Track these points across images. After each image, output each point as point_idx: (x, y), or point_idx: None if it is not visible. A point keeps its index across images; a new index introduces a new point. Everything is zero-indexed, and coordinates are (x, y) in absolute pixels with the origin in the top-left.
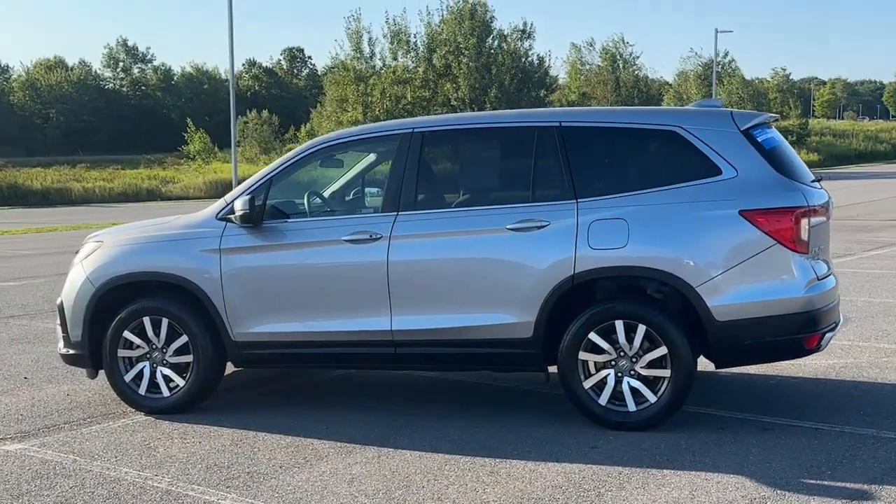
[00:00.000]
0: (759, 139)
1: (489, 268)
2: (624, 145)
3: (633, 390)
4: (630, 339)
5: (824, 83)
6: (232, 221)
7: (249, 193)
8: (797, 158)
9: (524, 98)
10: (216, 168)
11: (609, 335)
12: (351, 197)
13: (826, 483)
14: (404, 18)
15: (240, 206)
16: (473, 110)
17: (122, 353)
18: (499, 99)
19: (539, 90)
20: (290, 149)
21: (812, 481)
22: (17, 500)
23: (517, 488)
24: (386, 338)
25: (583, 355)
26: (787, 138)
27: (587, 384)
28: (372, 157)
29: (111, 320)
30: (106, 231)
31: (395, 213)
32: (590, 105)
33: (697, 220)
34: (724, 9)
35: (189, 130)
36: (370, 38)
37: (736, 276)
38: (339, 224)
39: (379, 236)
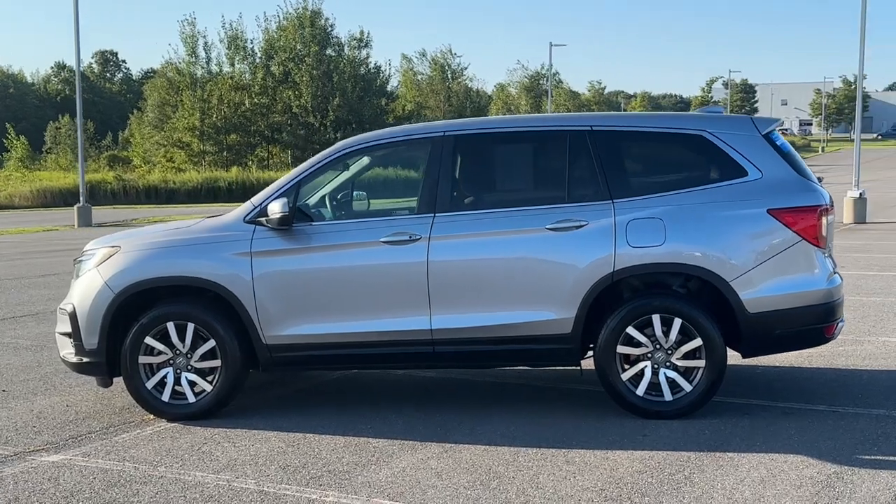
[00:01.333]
0: (776, 143)
1: (530, 266)
2: (653, 148)
3: (670, 381)
4: (666, 333)
5: (632, 97)
6: (262, 224)
7: (281, 196)
8: (803, 161)
9: (366, 106)
10: (44, 177)
11: (645, 329)
12: (351, 200)
13: (880, 458)
14: (240, 24)
15: (278, 208)
16: (317, 118)
17: (143, 359)
18: (342, 107)
19: (380, 99)
20: (110, 156)
21: (866, 457)
22: None
23: (604, 475)
24: (425, 337)
25: (620, 349)
26: None
27: (625, 376)
28: (365, 160)
29: (129, 327)
30: (119, 236)
31: (433, 215)
32: (425, 114)
33: (729, 219)
34: (556, 21)
35: (9, 137)
36: (206, 43)
37: (766, 271)
38: (374, 226)
39: (418, 237)
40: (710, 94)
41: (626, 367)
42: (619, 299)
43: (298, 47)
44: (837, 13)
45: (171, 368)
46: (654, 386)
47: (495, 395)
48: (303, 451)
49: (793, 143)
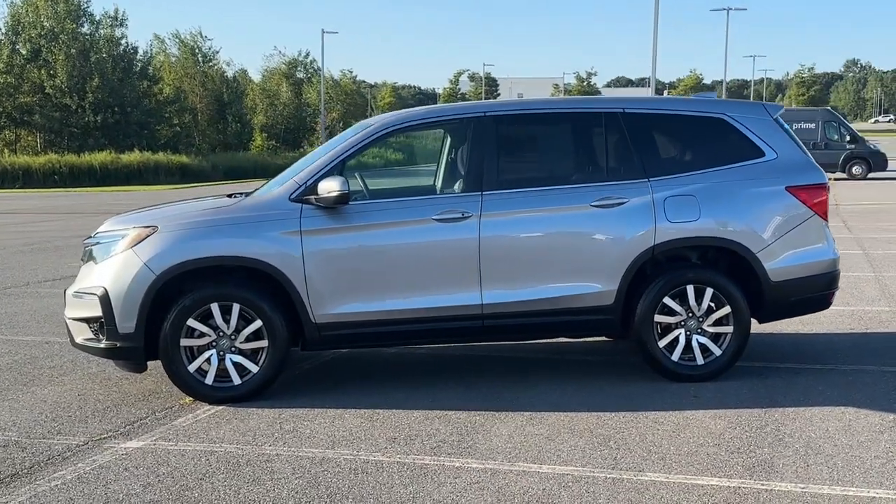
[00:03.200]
0: (784, 127)
1: (576, 241)
2: (680, 130)
3: (701, 346)
4: (699, 302)
5: (374, 86)
6: (310, 203)
7: (329, 174)
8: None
9: (127, 88)
10: None
11: (679, 298)
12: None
13: None
14: None
15: (336, 186)
16: (74, 100)
17: (185, 342)
18: (101, 89)
19: (143, 81)
20: None
21: None
22: (255, 486)
23: (701, 431)
24: (475, 312)
25: (658, 318)
26: None
27: (661, 343)
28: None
29: (168, 309)
30: (150, 216)
31: (480, 193)
32: (188, 99)
33: (753, 196)
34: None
35: None
36: None
37: (785, 243)
38: (424, 203)
39: (469, 214)
40: (457, 87)
41: (662, 335)
42: (656, 271)
43: (49, 24)
44: (575, 11)
45: (214, 350)
46: (687, 351)
47: (521, 370)
48: (392, 425)
49: None
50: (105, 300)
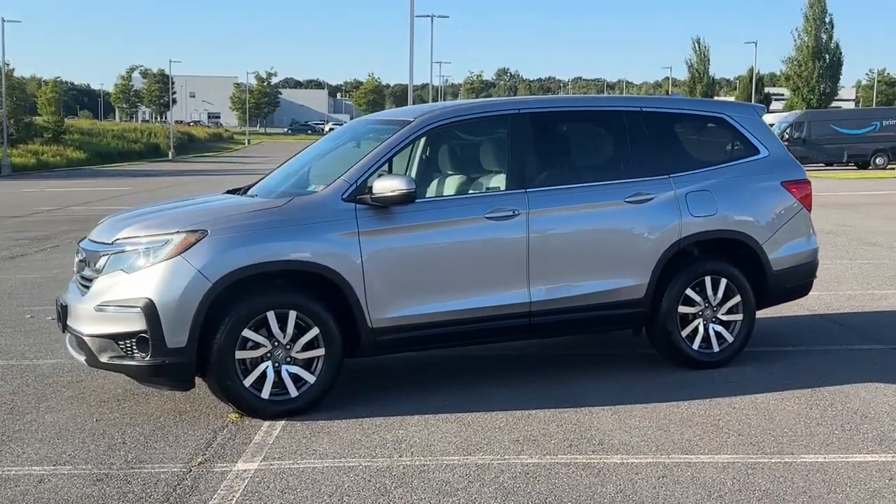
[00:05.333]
0: (768, 125)
1: (614, 237)
2: (689, 128)
3: (717, 334)
4: (715, 292)
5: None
6: (364, 202)
7: (375, 172)
8: None
9: None
10: None
11: (698, 289)
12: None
13: None
14: None
15: (401, 185)
16: None
17: (240, 354)
18: None
19: None
20: None
21: None
22: (441, 496)
23: (782, 415)
24: (523, 309)
25: (681, 308)
26: (43, 136)
27: (684, 333)
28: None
29: (219, 320)
30: (195, 219)
31: (525, 190)
32: None
33: (756, 191)
34: None
35: None
36: None
37: (783, 234)
38: (474, 202)
39: (519, 212)
40: (130, 83)
41: (682, 325)
42: (679, 264)
43: None
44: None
45: (269, 362)
46: (704, 340)
47: (547, 366)
48: (491, 426)
49: (217, 136)
50: (151, 313)
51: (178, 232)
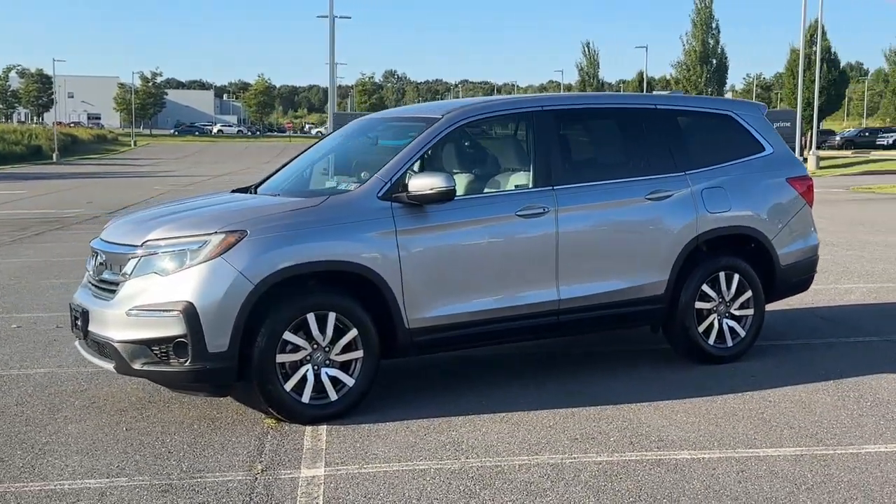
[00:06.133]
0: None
1: (637, 233)
2: (699, 125)
3: (730, 329)
4: (728, 287)
5: None
6: (401, 200)
7: (408, 169)
8: None
9: None
10: None
11: (713, 285)
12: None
13: None
14: None
15: (441, 182)
16: None
17: (280, 357)
18: None
19: None
20: None
21: None
22: (529, 496)
23: (819, 407)
24: (552, 307)
25: (697, 304)
26: None
27: (700, 329)
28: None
29: (259, 322)
30: (231, 219)
31: (551, 188)
32: None
33: (765, 187)
34: None
35: None
36: None
37: (790, 230)
38: (504, 199)
39: (547, 210)
40: (7, 83)
41: (698, 321)
42: (696, 260)
43: None
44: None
45: (309, 365)
46: (719, 335)
47: (562, 365)
48: (542, 426)
49: (101, 137)
50: (191, 316)
51: (216, 232)
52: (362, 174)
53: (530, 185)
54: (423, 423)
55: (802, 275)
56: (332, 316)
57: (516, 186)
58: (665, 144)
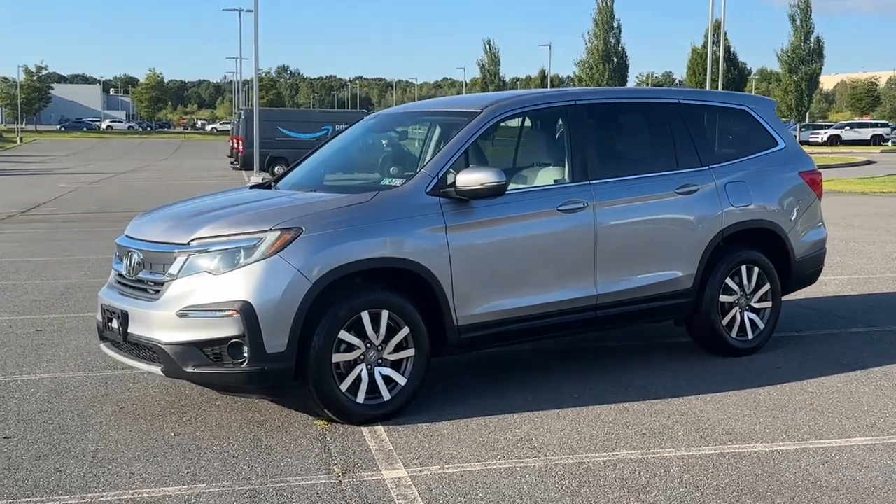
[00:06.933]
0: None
1: (668, 227)
2: (718, 119)
3: (751, 322)
4: (749, 280)
5: None
6: (449, 196)
7: (451, 164)
8: None
9: None
10: None
11: (736, 278)
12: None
13: None
14: None
15: (493, 177)
16: None
17: (336, 357)
18: None
19: None
20: None
21: None
22: (644, 493)
23: (842, 399)
24: (591, 302)
25: (721, 297)
26: None
27: (724, 321)
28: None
29: (316, 321)
30: (283, 215)
31: (588, 182)
32: None
33: (781, 181)
34: None
35: None
36: None
37: (803, 223)
38: (546, 194)
39: (586, 204)
40: None
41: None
42: (719, 254)
43: None
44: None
45: (363, 364)
46: (740, 328)
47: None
48: (603, 422)
49: None
50: (249, 316)
51: (270, 229)
52: (391, 169)
53: (568, 180)
54: (480, 422)
55: (813, 267)
56: (385, 314)
57: (555, 181)
58: (689, 139)
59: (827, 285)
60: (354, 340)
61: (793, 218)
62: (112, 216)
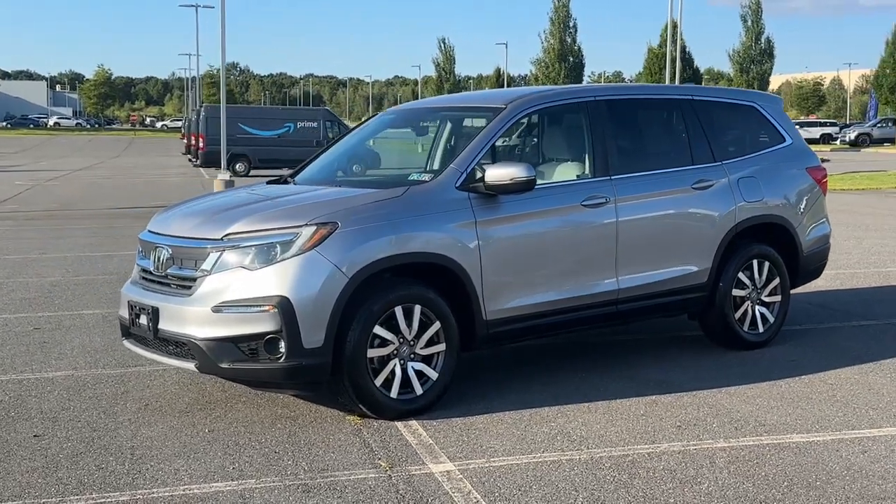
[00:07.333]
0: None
1: (686, 222)
2: (727, 116)
3: (761, 315)
4: (760, 275)
5: None
6: (477, 191)
7: (478, 159)
8: None
9: None
10: None
11: (748, 272)
12: None
13: None
14: None
15: (522, 172)
16: None
17: (371, 352)
18: None
19: None
20: None
21: None
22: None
23: (865, 391)
24: (612, 297)
25: (735, 292)
26: None
27: (736, 315)
28: None
29: (352, 317)
30: (318, 210)
31: (609, 177)
32: None
33: (789, 177)
34: None
35: None
36: None
37: (809, 218)
38: (570, 189)
39: (608, 199)
40: None
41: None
42: (733, 249)
43: None
44: None
45: (397, 359)
46: (752, 321)
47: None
48: (635, 415)
49: None
50: (287, 311)
51: (306, 224)
52: (417, 164)
53: (589, 175)
54: (513, 416)
55: (818, 262)
56: (417, 309)
57: (577, 176)
58: (703, 134)
59: (817, 280)
60: (388, 335)
61: (801, 213)
62: (80, 214)
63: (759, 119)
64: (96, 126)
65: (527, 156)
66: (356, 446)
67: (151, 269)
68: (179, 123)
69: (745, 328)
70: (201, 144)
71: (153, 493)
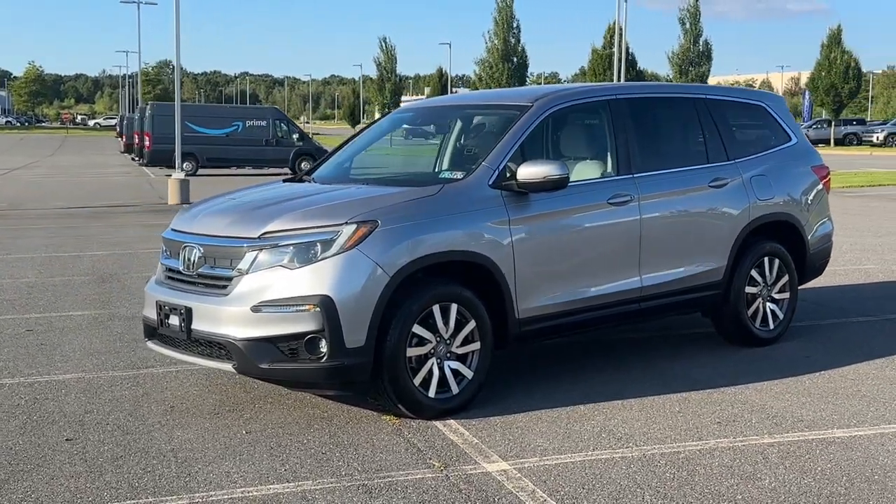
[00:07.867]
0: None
1: (704, 220)
2: (739, 115)
3: (771, 312)
4: (770, 272)
5: None
6: (510, 189)
7: (508, 157)
8: None
9: None
10: None
11: (759, 270)
12: None
13: None
14: None
15: (556, 170)
16: None
17: (410, 351)
18: None
19: None
20: None
21: None
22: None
23: (868, 384)
24: (636, 295)
25: (747, 289)
26: None
27: (749, 312)
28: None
29: (392, 316)
30: (357, 208)
31: (632, 175)
32: None
33: (796, 175)
34: None
35: None
36: None
37: (815, 216)
38: (597, 187)
39: (633, 197)
40: None
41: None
42: (746, 247)
43: None
44: None
45: (434, 358)
46: (763, 318)
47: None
48: (671, 411)
49: None
50: (329, 310)
51: (347, 223)
52: (446, 162)
53: (613, 173)
54: (551, 414)
55: (822, 259)
56: (454, 307)
57: (601, 174)
58: (717, 133)
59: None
60: (426, 334)
61: (807, 211)
62: (32, 214)
63: (767, 118)
64: (26, 124)
65: (550, 154)
66: (402, 446)
67: (181, 268)
68: (113, 122)
69: (757, 325)
70: (147, 143)
71: (211, 496)
